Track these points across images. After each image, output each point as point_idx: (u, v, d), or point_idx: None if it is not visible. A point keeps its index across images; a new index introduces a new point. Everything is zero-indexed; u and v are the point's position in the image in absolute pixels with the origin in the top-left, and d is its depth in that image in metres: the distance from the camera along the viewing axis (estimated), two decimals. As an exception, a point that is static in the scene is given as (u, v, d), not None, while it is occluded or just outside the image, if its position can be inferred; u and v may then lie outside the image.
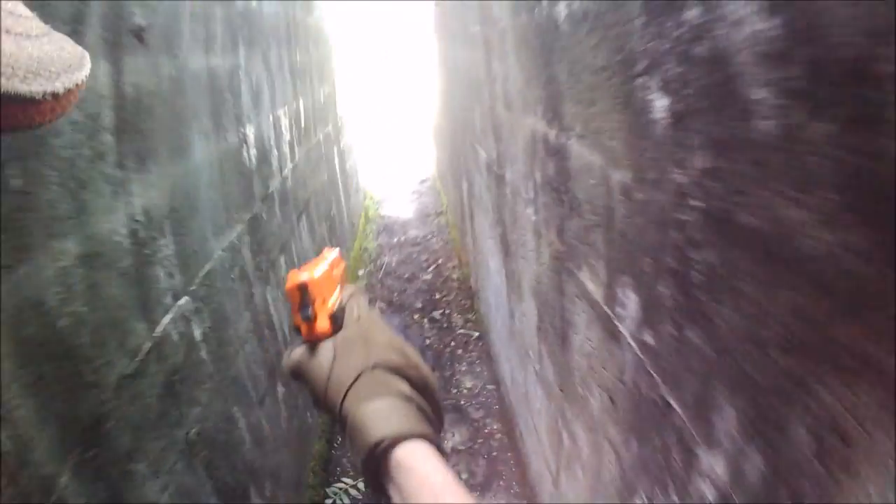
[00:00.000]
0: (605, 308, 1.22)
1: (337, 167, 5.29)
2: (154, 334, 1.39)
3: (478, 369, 4.07)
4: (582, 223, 1.31)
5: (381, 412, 0.56)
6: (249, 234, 2.25)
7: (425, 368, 0.64)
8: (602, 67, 1.09)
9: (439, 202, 8.27)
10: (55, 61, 0.32)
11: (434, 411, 0.62)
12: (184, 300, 1.58)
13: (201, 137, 1.82)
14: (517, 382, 2.79)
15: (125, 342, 1.26)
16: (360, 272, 5.87)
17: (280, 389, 2.49)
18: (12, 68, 0.28)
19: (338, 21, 7.01)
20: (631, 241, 1.03)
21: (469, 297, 4.99)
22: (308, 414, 3.00)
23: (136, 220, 1.37)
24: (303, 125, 3.63)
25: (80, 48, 0.36)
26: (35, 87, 0.30)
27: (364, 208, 8.00)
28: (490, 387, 3.85)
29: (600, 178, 1.14)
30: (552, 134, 1.48)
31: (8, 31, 0.29)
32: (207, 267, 1.77)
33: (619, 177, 1.04)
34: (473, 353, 4.26)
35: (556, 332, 1.75)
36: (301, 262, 3.22)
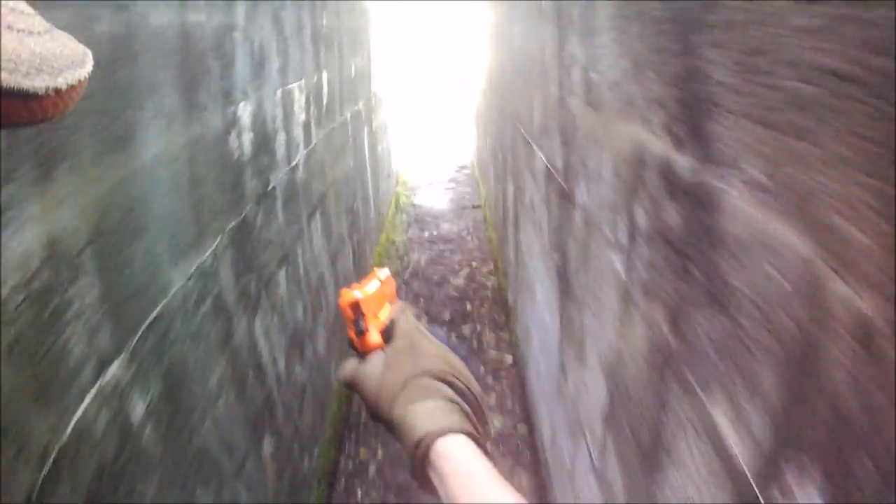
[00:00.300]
0: (751, 479, 0.74)
1: (366, 150, 4.83)
2: (65, 432, 0.97)
3: (509, 405, 3.59)
4: (731, 329, 0.81)
5: (426, 411, 0.62)
6: (234, 248, 1.80)
7: (469, 376, 0.70)
8: (830, 71, 0.59)
9: (477, 193, 7.78)
10: (58, 57, 0.33)
11: (477, 415, 0.67)
12: (115, 367, 1.14)
13: (161, 121, 1.36)
14: (560, 449, 2.31)
15: (23, 451, 0.87)
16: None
17: (267, 441, 2.05)
18: (15, 63, 0.29)
19: None
20: (860, 433, 0.54)
21: (504, 310, 4.52)
22: (305, 459, 2.57)
23: (32, 260, 0.93)
24: (325, 102, 3.16)
25: (81, 45, 0.36)
26: (38, 83, 0.31)
27: (395, 195, 7.55)
28: (522, 428, 3.38)
29: (802, 280, 0.64)
30: (682, 162, 0.97)
31: (10, 28, 0.30)
32: (159, 308, 1.33)
33: (866, 301, 0.55)
34: (505, 383, 3.79)
35: (638, 441, 1.26)
36: (309, 273, 2.78)
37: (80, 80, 0.34)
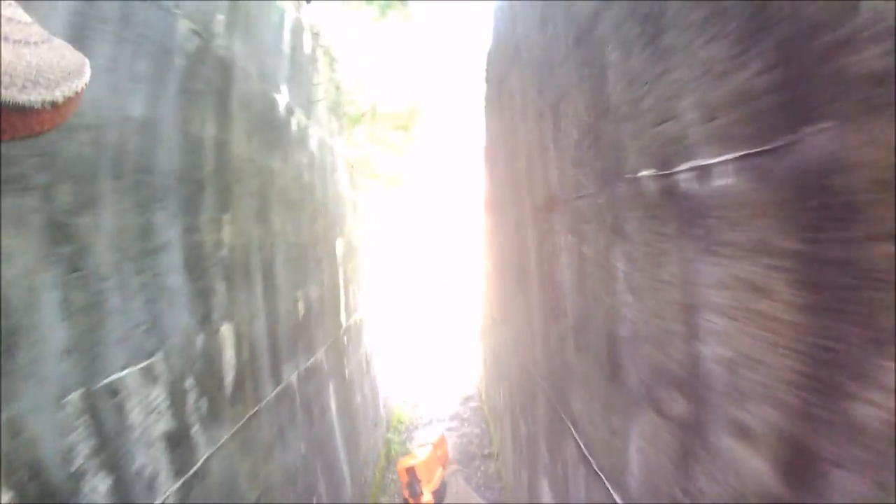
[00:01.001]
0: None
1: (334, 413, 3.46)
2: None
3: None
4: None
5: None
6: None
7: None
8: None
9: (487, 435, 6.27)
10: (54, 69, 0.33)
11: None
12: None
13: None
14: None
15: None
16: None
17: None
18: (10, 77, 0.29)
19: (367, 164, 5.69)
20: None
21: None
22: None
23: None
24: (228, 380, 1.84)
25: (80, 54, 0.36)
26: (34, 97, 0.31)
27: (386, 443, 6.04)
28: None
29: None
30: None
31: (6, 39, 0.30)
32: None
33: None
34: None
35: None
36: None
37: (76, 92, 0.34)
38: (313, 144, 3.37)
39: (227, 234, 1.83)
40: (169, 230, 1.50)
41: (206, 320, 1.65)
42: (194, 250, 1.62)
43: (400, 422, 7.01)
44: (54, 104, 0.32)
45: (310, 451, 2.76)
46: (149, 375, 1.39)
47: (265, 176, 2.31)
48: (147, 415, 1.39)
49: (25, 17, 0.33)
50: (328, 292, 3.64)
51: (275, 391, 2.25)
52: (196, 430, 1.59)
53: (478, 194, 6.32)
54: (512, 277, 3.17)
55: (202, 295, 1.65)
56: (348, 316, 4.45)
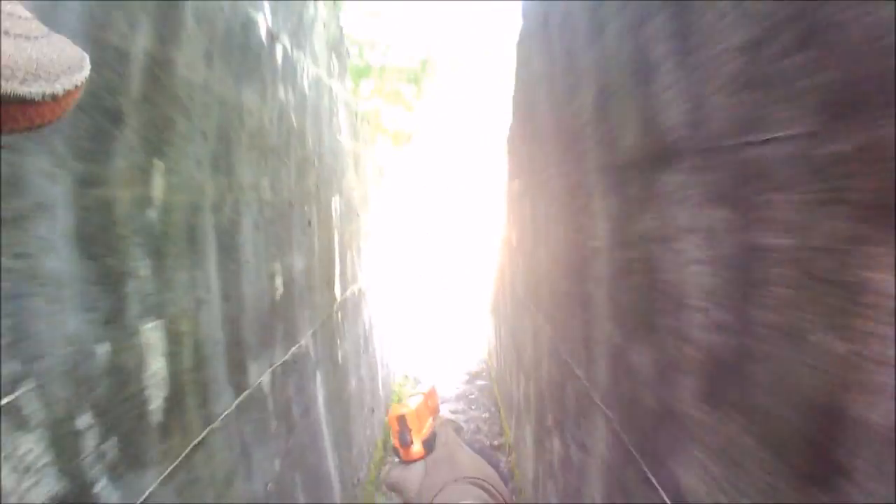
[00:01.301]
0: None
1: (321, 405, 2.98)
2: None
3: None
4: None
5: None
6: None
7: (500, 483, 0.82)
8: None
9: (497, 422, 5.84)
10: (55, 63, 0.33)
11: None
12: None
13: None
14: None
15: None
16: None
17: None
18: (11, 70, 0.30)
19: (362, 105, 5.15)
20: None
21: None
22: None
23: None
24: (157, 406, 1.32)
25: (79, 49, 0.37)
26: (35, 89, 0.31)
27: (384, 428, 5.62)
28: None
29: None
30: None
31: (7, 33, 0.31)
32: None
33: None
34: None
35: None
36: None
37: (76, 86, 0.35)
38: (306, 82, 2.81)
39: (159, 188, 1.29)
40: (51, 184, 0.97)
41: (114, 320, 1.13)
42: (96, 213, 1.08)
43: (400, 402, 6.58)
44: (54, 97, 0.32)
45: (287, 466, 2.27)
46: (12, 419, 0.87)
47: (231, 112, 1.75)
48: (19, 477, 0.88)
49: (25, 13, 0.33)
50: (320, 262, 3.12)
51: (236, 402, 1.74)
52: (102, 485, 1.09)
53: (499, 152, 5.76)
54: (550, 257, 2.61)
55: (109, 281, 1.12)
56: (344, 288, 3.94)
